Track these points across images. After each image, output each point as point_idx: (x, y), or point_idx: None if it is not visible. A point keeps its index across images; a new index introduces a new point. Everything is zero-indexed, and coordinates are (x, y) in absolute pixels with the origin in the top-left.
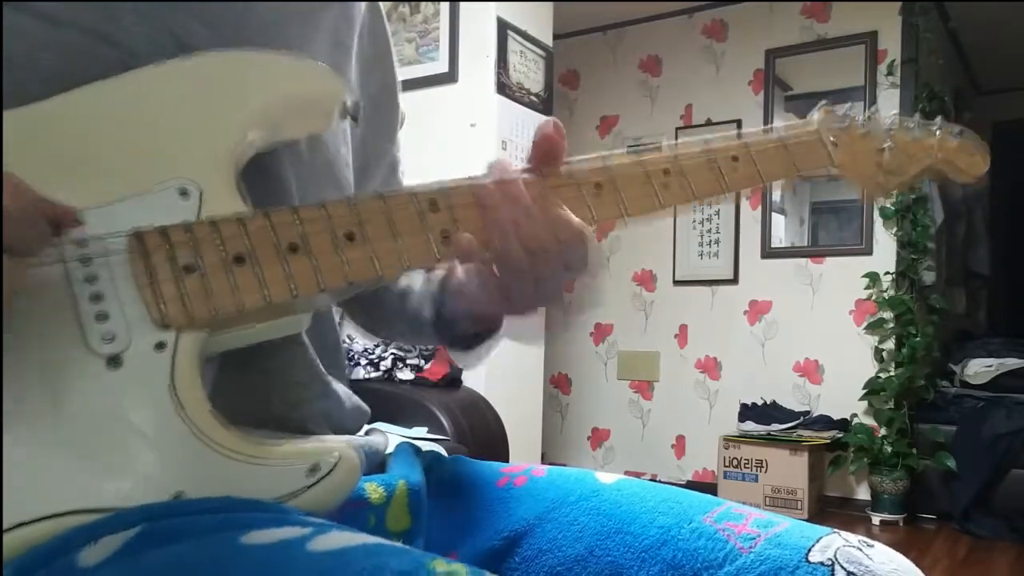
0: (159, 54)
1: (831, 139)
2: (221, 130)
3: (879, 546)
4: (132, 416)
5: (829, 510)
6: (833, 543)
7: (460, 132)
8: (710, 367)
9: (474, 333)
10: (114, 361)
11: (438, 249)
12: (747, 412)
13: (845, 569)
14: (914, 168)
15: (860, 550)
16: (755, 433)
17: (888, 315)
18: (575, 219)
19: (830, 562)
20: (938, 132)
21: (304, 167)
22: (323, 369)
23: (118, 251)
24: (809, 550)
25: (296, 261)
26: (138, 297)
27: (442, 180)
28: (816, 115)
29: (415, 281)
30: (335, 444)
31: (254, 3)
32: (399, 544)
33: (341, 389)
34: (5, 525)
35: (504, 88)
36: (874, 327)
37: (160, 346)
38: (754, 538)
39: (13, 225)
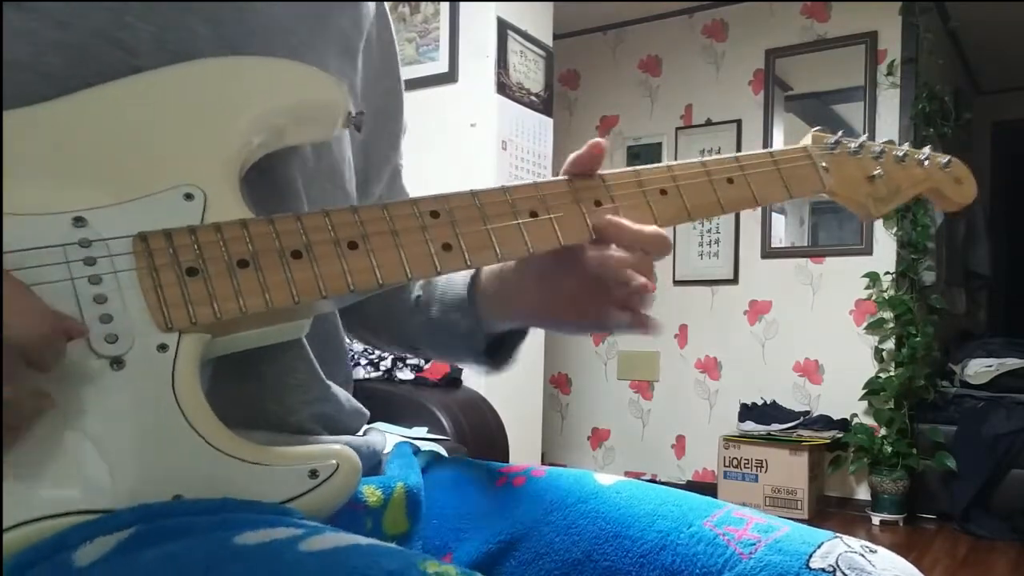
0: (166, 57)
1: (823, 165)
2: (226, 135)
3: (882, 551)
4: (133, 418)
5: (829, 510)
6: (835, 549)
7: (460, 132)
8: (710, 367)
9: (503, 334)
10: (116, 363)
11: (439, 260)
12: (747, 412)
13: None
14: (903, 196)
15: (863, 556)
16: (755, 433)
17: (888, 315)
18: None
19: (832, 568)
20: (926, 162)
21: (310, 170)
22: (322, 373)
23: (122, 253)
24: (810, 556)
25: (299, 267)
26: (141, 299)
27: (445, 194)
28: (808, 140)
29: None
30: (336, 447)
31: (262, 6)
32: (392, 545)
33: (340, 392)
34: (6, 524)
35: (504, 88)
36: (874, 327)
37: (162, 348)
38: (754, 543)
39: (36, 346)
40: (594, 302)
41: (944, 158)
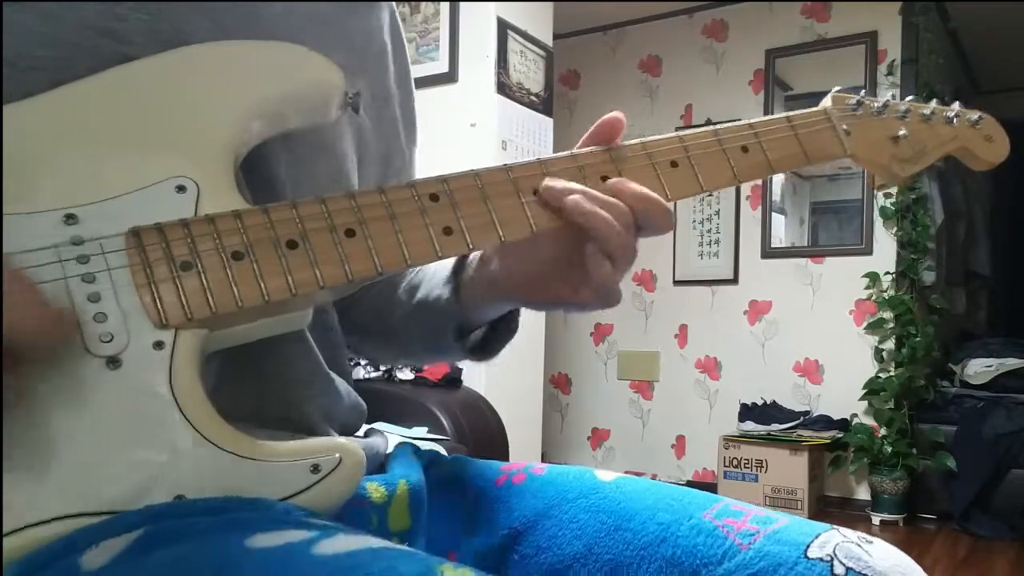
0: (159, 48)
1: (844, 127)
2: (218, 123)
3: (878, 542)
4: (132, 416)
5: (829, 510)
6: (832, 539)
7: (460, 132)
8: (710, 367)
9: (491, 326)
10: (113, 362)
11: (439, 244)
12: (747, 412)
13: (844, 565)
14: (930, 157)
15: (859, 546)
16: (755, 433)
17: (888, 315)
18: (645, 190)
19: (829, 558)
20: (955, 119)
21: (306, 169)
22: (326, 366)
23: (115, 249)
24: (808, 546)
25: (295, 257)
26: (135, 296)
27: (445, 175)
28: (828, 101)
29: (422, 281)
30: (339, 440)
31: (263, 4)
32: (405, 547)
33: (342, 386)
34: (8, 528)
35: (504, 88)
36: (874, 327)
37: (158, 345)
38: (753, 534)
39: (28, 340)
40: (572, 262)
41: (974, 115)
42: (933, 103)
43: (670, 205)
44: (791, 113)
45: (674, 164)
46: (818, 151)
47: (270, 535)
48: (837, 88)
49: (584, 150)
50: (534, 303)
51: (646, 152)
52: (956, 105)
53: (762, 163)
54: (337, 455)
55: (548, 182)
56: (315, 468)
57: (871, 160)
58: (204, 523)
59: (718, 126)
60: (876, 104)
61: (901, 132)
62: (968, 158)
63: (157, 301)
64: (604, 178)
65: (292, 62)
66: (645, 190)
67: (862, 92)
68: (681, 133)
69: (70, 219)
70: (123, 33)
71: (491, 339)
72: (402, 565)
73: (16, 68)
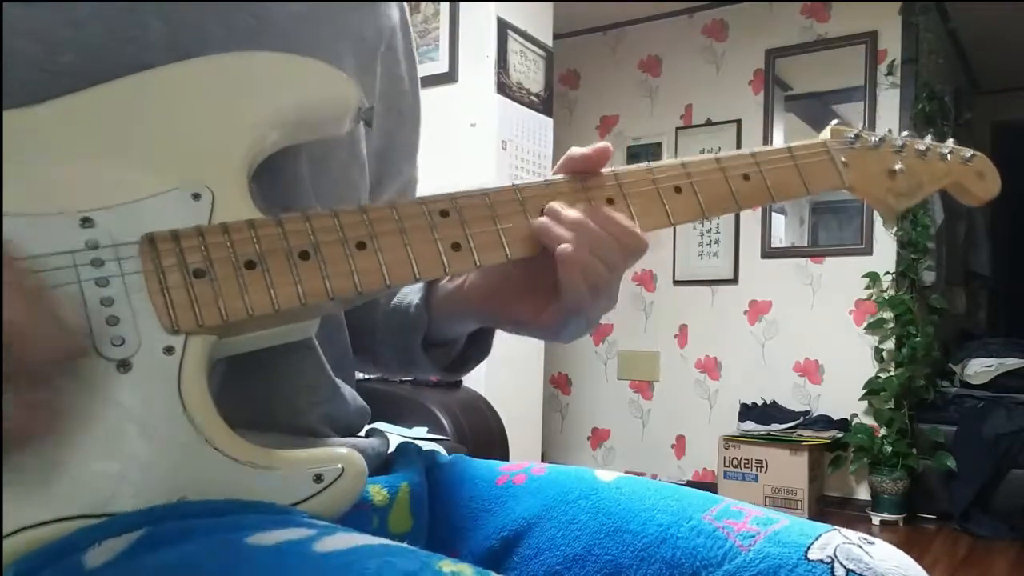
0: (180, 55)
1: (842, 160)
2: (234, 133)
3: (879, 543)
4: (140, 420)
5: (829, 510)
6: (833, 540)
7: (460, 132)
8: (710, 367)
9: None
10: (123, 365)
11: (447, 259)
12: (747, 412)
13: (844, 567)
14: (924, 191)
15: (860, 547)
16: (755, 433)
17: (888, 315)
18: (626, 221)
19: (830, 560)
20: (949, 156)
21: (318, 167)
22: (331, 372)
23: (129, 255)
24: (808, 548)
25: (306, 268)
26: (148, 302)
27: (455, 192)
28: (827, 134)
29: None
30: (341, 450)
31: (276, 8)
32: (404, 545)
33: (347, 391)
34: (11, 528)
35: (504, 88)
36: (874, 327)
37: (169, 350)
38: (753, 536)
39: (44, 364)
40: (544, 289)
41: (967, 152)
42: (928, 139)
43: (641, 233)
44: (792, 144)
45: (678, 190)
46: (817, 182)
47: (271, 533)
48: (836, 121)
49: (591, 173)
50: (498, 321)
51: (651, 177)
52: (950, 142)
53: (763, 192)
54: (339, 465)
55: (546, 217)
56: (318, 478)
57: (868, 192)
58: (206, 524)
59: (719, 154)
60: (873, 138)
61: (897, 166)
62: (961, 193)
63: (169, 307)
64: (609, 200)
65: (309, 74)
66: (618, 217)
67: (864, 126)
68: (684, 159)
69: (86, 222)
70: (145, 41)
71: (464, 356)
72: (400, 561)
73: (41, 72)
